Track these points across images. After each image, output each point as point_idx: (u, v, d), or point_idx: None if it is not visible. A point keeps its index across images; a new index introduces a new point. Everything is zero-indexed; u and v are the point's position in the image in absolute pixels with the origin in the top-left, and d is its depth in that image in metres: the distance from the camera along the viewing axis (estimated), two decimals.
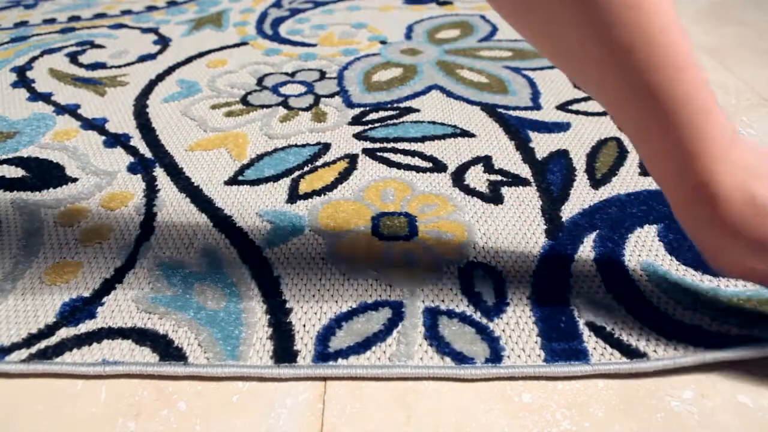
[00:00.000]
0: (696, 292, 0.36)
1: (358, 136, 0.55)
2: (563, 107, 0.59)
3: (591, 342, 0.33)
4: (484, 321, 0.35)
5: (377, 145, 0.53)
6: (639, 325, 0.34)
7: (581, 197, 0.45)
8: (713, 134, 0.26)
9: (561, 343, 0.33)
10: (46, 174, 0.50)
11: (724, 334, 0.33)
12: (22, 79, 0.69)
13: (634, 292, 0.37)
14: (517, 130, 0.55)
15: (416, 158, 0.51)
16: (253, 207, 0.46)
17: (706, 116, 0.26)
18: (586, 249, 0.40)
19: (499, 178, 0.48)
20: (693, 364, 0.32)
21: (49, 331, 0.35)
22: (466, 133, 0.55)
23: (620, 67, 0.26)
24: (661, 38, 0.25)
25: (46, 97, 0.64)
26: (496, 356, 0.33)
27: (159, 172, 0.50)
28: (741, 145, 0.27)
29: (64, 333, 0.35)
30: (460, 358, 0.33)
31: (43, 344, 0.34)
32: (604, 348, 0.33)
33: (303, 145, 0.54)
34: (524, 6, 0.27)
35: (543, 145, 0.52)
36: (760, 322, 0.34)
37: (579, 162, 0.50)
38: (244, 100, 0.62)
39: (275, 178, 0.49)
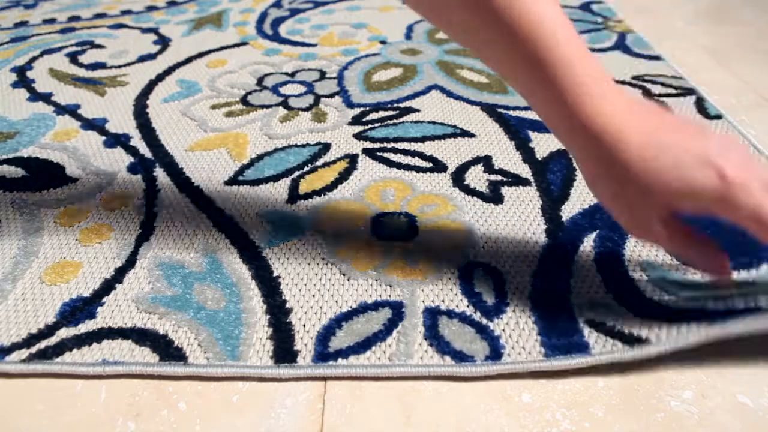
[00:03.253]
0: (696, 291, 0.36)
1: (358, 136, 0.55)
2: None
3: (592, 336, 0.33)
4: (484, 321, 0.35)
5: (377, 145, 0.53)
6: (640, 320, 0.34)
7: (581, 197, 0.45)
8: (589, 76, 0.29)
9: (561, 339, 0.33)
10: (46, 174, 0.50)
11: (729, 310, 0.32)
12: (22, 79, 0.69)
13: (634, 292, 0.37)
14: (517, 130, 0.55)
15: (416, 158, 0.51)
16: (253, 207, 0.46)
17: (583, 60, 0.29)
18: (586, 249, 0.40)
19: (499, 178, 0.48)
20: (698, 344, 0.31)
21: (49, 331, 0.35)
22: (466, 133, 0.55)
23: (508, 44, 0.30)
24: (536, 16, 0.28)
25: (46, 98, 0.64)
26: (495, 354, 0.33)
27: (159, 172, 0.50)
28: (620, 89, 0.30)
29: (64, 333, 0.35)
30: (460, 357, 0.33)
31: (43, 344, 0.34)
32: (606, 339, 0.33)
33: (303, 145, 0.54)
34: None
35: (543, 145, 0.52)
36: (763, 294, 0.33)
37: None
38: (244, 100, 0.62)
39: (275, 178, 0.49)
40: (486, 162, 0.50)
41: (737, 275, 0.37)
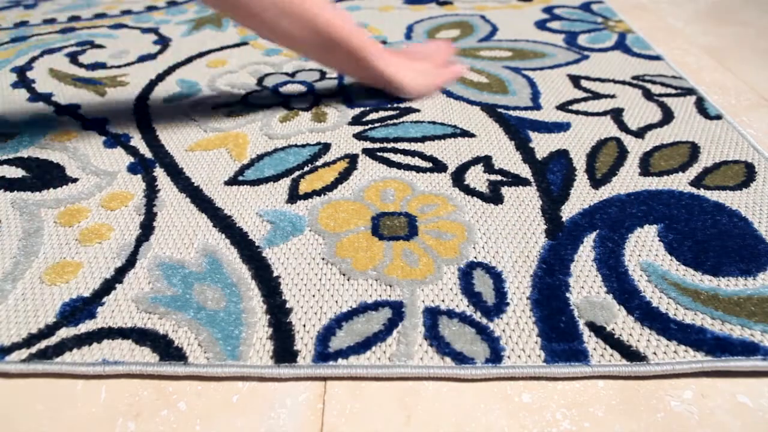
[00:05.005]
0: (696, 291, 0.36)
1: (359, 136, 0.55)
2: (563, 107, 0.59)
3: (591, 342, 0.33)
4: (484, 321, 0.35)
5: (377, 145, 0.53)
6: (639, 325, 0.34)
7: (581, 197, 0.45)
8: (369, 46, 0.56)
9: (561, 344, 0.33)
10: (46, 174, 0.50)
11: (726, 336, 0.33)
12: (22, 79, 0.69)
13: (634, 292, 0.37)
14: (517, 130, 0.55)
15: (416, 158, 0.51)
16: (253, 207, 0.46)
17: (361, 38, 0.55)
18: (586, 249, 0.40)
19: (499, 178, 0.48)
20: (691, 371, 0.32)
21: (49, 331, 0.35)
22: (466, 133, 0.55)
23: (320, 38, 0.53)
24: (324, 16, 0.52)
25: (46, 98, 0.64)
26: (496, 356, 0.33)
27: (159, 172, 0.50)
28: (392, 52, 0.62)
29: (64, 333, 0.35)
30: (460, 359, 0.33)
31: (43, 344, 0.34)
32: (604, 349, 0.33)
33: (303, 145, 0.54)
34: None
35: (543, 145, 0.52)
36: (760, 322, 0.34)
37: (579, 162, 0.50)
38: (244, 100, 0.62)
39: (275, 178, 0.49)
40: (486, 162, 0.50)
41: (737, 282, 0.37)
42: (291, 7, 0.50)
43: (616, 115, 0.57)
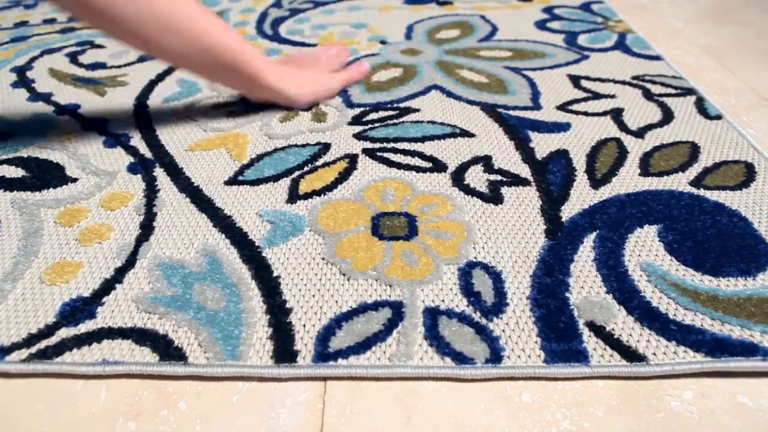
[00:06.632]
0: (695, 292, 0.36)
1: (358, 136, 0.55)
2: (563, 107, 0.59)
3: (591, 342, 0.33)
4: (484, 321, 0.35)
5: (377, 145, 0.53)
6: (639, 325, 0.34)
7: (581, 197, 0.45)
8: (258, 62, 0.55)
9: (561, 344, 0.33)
10: (46, 174, 0.50)
11: (725, 337, 0.33)
12: (22, 79, 0.69)
13: (634, 292, 0.37)
14: (517, 130, 0.55)
15: (416, 158, 0.51)
16: (253, 207, 0.46)
17: (251, 56, 0.54)
18: (586, 249, 0.40)
19: (499, 178, 0.48)
20: (691, 372, 0.32)
21: (49, 331, 0.35)
22: (466, 133, 0.55)
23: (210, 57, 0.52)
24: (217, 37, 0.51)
25: (46, 97, 0.64)
26: (495, 357, 0.33)
27: (159, 172, 0.50)
28: (281, 63, 0.64)
29: (64, 333, 0.35)
30: (460, 359, 0.33)
31: (43, 344, 0.34)
32: (604, 349, 0.33)
33: (303, 145, 0.54)
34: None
35: (543, 145, 0.52)
36: (760, 322, 0.34)
37: (579, 162, 0.50)
38: (244, 100, 0.62)
39: (275, 178, 0.49)
40: (486, 162, 0.50)
41: (737, 283, 0.37)
42: (171, 22, 0.47)
43: (616, 115, 0.57)
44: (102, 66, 0.72)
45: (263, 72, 0.55)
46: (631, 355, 0.33)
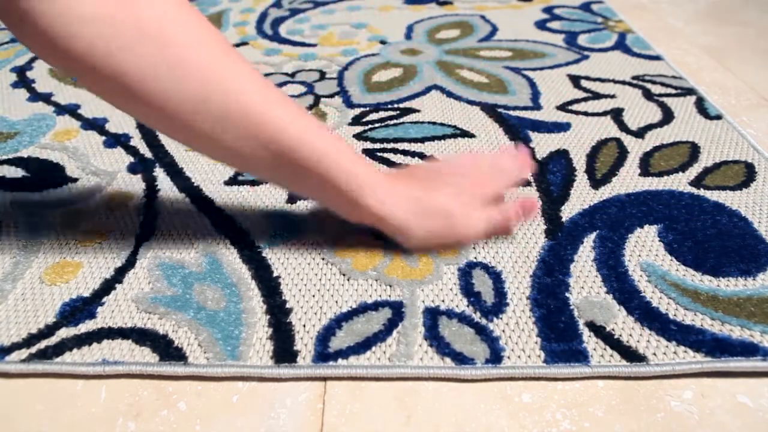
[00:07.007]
0: (695, 292, 0.36)
1: (359, 137, 0.55)
2: (563, 107, 0.59)
3: (591, 342, 0.33)
4: (484, 321, 0.35)
5: (377, 146, 0.53)
6: (639, 325, 0.34)
7: (581, 197, 0.45)
8: (369, 178, 0.37)
9: (561, 344, 0.33)
10: (46, 174, 0.50)
11: (725, 337, 0.33)
12: (22, 79, 0.69)
13: (634, 292, 0.37)
14: (517, 130, 0.55)
15: (416, 158, 0.51)
16: (253, 207, 0.46)
17: (360, 167, 0.37)
18: (586, 249, 0.40)
19: None
20: (691, 372, 0.32)
21: (49, 331, 0.35)
22: (466, 133, 0.55)
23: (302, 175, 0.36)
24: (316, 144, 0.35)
25: (46, 97, 0.64)
26: (495, 357, 0.33)
27: (159, 172, 0.50)
28: (396, 177, 0.40)
29: (64, 333, 0.35)
30: (460, 359, 0.33)
31: (43, 344, 0.34)
32: (604, 349, 0.33)
33: None
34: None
35: (543, 145, 0.52)
36: (760, 322, 0.34)
37: (579, 162, 0.50)
38: None
39: None
40: None
41: (737, 283, 0.37)
42: (217, 104, 0.31)
43: (616, 115, 0.57)
44: None
45: (371, 191, 0.37)
46: (631, 355, 0.33)
